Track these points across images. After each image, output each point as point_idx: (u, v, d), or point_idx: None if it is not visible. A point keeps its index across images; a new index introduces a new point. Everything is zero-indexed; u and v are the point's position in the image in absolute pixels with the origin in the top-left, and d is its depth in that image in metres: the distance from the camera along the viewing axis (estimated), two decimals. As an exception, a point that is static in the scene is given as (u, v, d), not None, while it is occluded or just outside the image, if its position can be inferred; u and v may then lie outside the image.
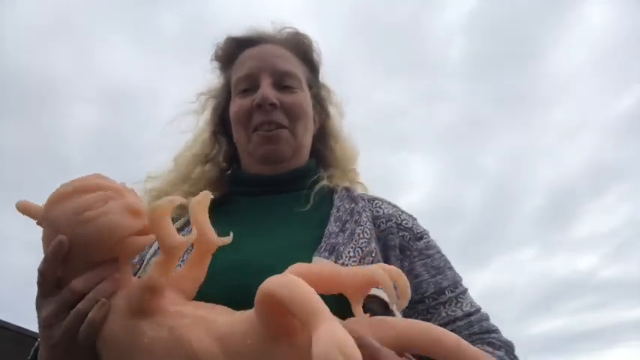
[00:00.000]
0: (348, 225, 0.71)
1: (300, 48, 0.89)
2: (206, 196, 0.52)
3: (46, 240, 0.52)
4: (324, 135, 0.92)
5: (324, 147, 0.92)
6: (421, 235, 0.76)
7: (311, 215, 0.75)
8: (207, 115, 0.92)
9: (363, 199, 0.80)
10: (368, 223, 0.73)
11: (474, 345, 0.65)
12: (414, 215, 0.81)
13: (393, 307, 0.57)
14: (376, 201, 0.81)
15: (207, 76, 0.93)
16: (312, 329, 0.36)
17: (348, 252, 0.65)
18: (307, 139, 0.85)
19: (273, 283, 0.41)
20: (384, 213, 0.77)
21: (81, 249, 0.50)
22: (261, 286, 0.42)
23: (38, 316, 0.53)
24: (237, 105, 0.82)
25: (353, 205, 0.77)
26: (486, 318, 0.71)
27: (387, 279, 0.43)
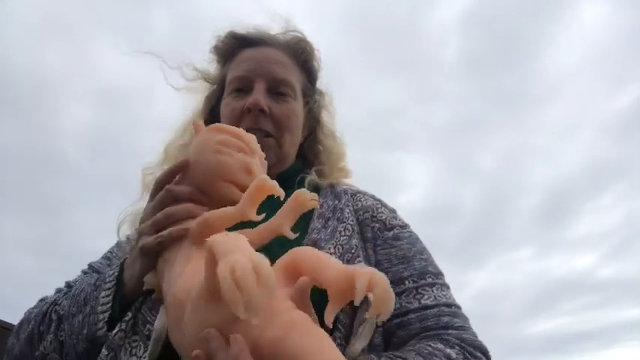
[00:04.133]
0: (330, 222, 0.72)
1: (301, 55, 0.87)
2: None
3: (193, 149, 0.61)
4: (312, 139, 0.92)
5: (310, 149, 0.92)
6: (392, 226, 0.74)
7: None
8: (198, 101, 0.90)
9: (347, 194, 0.81)
10: (350, 219, 0.73)
11: (422, 341, 0.60)
12: (395, 208, 0.80)
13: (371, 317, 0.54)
14: (359, 194, 0.81)
15: (204, 63, 0.91)
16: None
17: (329, 248, 0.66)
18: (293, 148, 0.85)
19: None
20: (362, 205, 0.77)
21: (198, 171, 0.59)
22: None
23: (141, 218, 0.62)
24: (229, 107, 0.81)
25: (336, 202, 0.77)
26: (451, 314, 0.64)
27: (364, 288, 0.38)
